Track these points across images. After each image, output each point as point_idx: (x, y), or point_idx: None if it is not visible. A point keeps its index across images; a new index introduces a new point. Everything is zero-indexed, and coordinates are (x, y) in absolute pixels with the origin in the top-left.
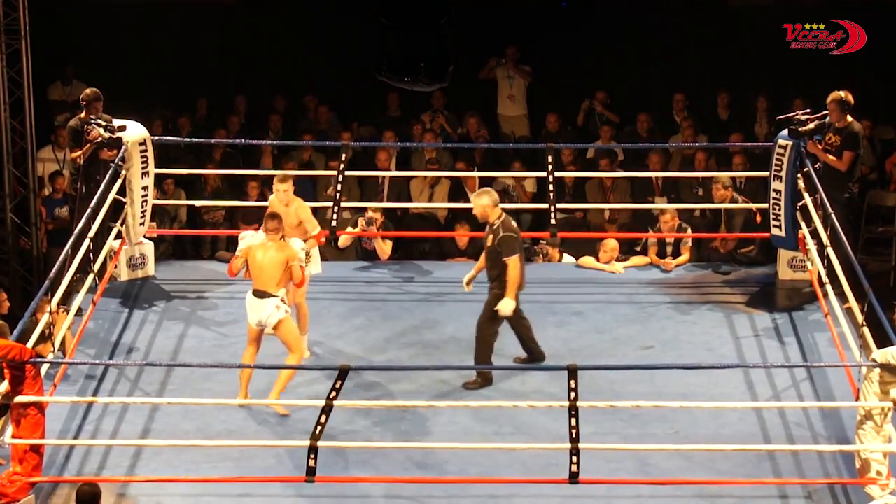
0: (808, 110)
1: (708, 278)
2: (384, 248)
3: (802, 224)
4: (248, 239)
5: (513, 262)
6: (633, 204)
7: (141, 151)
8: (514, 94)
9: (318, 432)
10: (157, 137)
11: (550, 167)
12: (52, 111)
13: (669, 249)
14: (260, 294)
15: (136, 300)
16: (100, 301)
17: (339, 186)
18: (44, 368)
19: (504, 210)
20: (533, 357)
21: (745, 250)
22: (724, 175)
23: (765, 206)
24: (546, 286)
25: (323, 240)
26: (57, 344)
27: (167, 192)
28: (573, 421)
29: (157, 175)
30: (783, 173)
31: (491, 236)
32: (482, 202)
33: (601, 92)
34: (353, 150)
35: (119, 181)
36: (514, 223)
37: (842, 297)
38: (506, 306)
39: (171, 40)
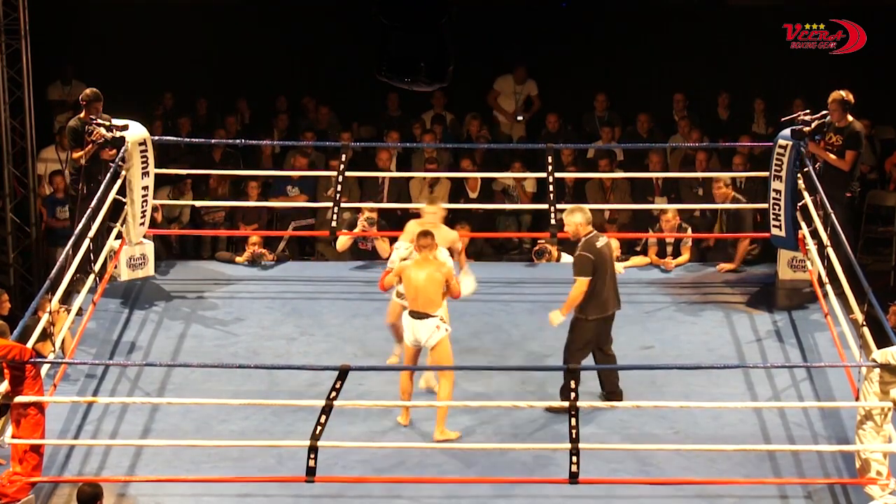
0: (808, 111)
1: (708, 278)
2: (385, 246)
3: (802, 224)
4: (401, 250)
5: (579, 282)
6: (634, 204)
7: (141, 151)
8: (517, 105)
9: (318, 432)
10: (157, 137)
11: (550, 168)
12: (52, 111)
13: (669, 249)
14: (419, 315)
15: (136, 300)
16: (100, 301)
17: (339, 187)
18: (44, 368)
19: (506, 211)
20: (609, 395)
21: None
22: (725, 175)
23: (765, 206)
24: (546, 286)
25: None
26: (58, 344)
27: (183, 194)
28: (573, 421)
29: (172, 178)
30: (783, 173)
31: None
32: (575, 220)
33: (601, 94)
34: (353, 151)
35: (119, 181)
36: (598, 244)
37: (842, 297)
38: (553, 318)
39: (172, 40)
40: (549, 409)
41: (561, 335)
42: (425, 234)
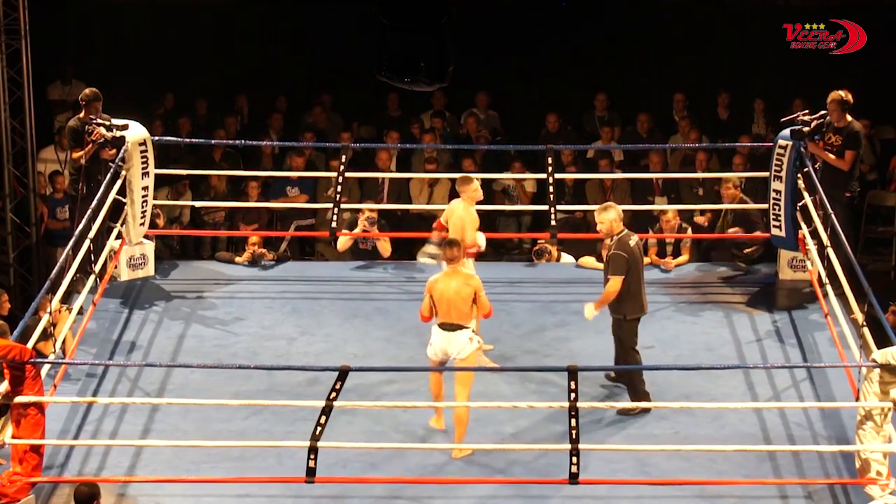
0: (808, 111)
1: (708, 278)
2: (385, 244)
3: (802, 224)
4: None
5: (613, 280)
6: (634, 204)
7: (141, 152)
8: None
9: (318, 433)
10: (157, 137)
11: (550, 168)
12: (52, 111)
13: (669, 249)
14: (450, 327)
15: (136, 300)
16: (100, 301)
17: (339, 187)
18: (44, 368)
19: (507, 211)
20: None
21: (749, 250)
22: (734, 175)
23: (765, 206)
24: (546, 286)
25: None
26: (58, 343)
27: (181, 194)
28: (573, 421)
29: (170, 178)
30: (783, 173)
31: (605, 252)
32: (609, 217)
33: (601, 94)
34: (352, 151)
35: (119, 181)
36: (630, 242)
37: (842, 297)
38: (588, 311)
39: (171, 40)
40: (621, 412)
41: (560, 335)
42: (451, 244)
